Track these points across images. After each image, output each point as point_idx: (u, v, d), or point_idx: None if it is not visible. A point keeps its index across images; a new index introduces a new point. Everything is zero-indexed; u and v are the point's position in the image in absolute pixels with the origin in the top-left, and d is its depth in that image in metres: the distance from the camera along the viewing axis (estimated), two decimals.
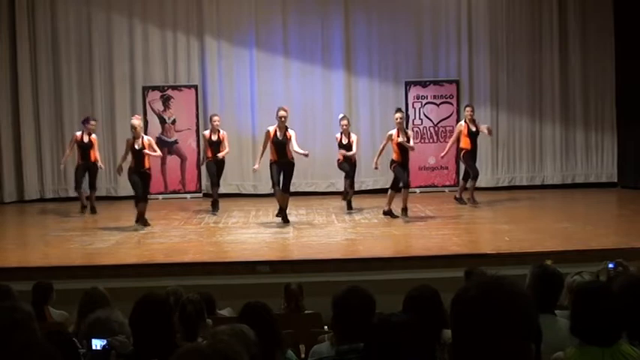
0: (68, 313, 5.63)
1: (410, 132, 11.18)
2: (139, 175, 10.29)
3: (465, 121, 11.77)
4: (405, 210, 10.69)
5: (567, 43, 14.27)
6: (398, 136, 10.61)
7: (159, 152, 10.78)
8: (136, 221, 10.39)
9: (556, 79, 14.30)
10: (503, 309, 1.68)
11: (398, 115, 10.72)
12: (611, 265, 4.61)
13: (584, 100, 14.39)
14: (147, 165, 10.41)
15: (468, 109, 11.96)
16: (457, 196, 12.20)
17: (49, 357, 2.29)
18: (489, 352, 1.67)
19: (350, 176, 11.35)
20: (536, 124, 14.37)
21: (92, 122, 12.02)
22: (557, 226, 10.15)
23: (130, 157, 10.39)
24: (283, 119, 10.26)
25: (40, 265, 8.28)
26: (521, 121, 14.37)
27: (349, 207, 11.64)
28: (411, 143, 10.74)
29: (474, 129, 11.68)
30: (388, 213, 10.80)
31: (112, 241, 9.54)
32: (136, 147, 10.24)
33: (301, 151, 10.38)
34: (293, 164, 10.48)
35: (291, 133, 10.38)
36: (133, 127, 10.30)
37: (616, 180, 14.39)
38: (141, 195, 10.33)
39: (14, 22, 13.67)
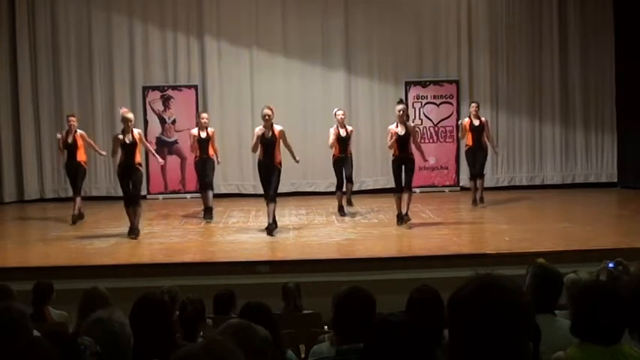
0: (68, 313, 5.63)
1: (411, 123, 10.26)
2: (129, 171, 9.66)
3: (469, 117, 11.83)
4: (403, 215, 10.03)
5: (567, 43, 14.27)
6: (397, 128, 9.83)
7: (150, 147, 10.40)
8: (132, 230, 9.73)
9: (556, 79, 14.30)
10: (499, 307, 1.68)
11: (399, 107, 9.94)
12: (610, 265, 4.60)
13: (584, 100, 14.39)
14: (138, 159, 9.76)
15: (473, 105, 11.95)
16: (472, 198, 11.92)
17: (48, 356, 2.29)
18: (485, 351, 1.67)
19: (347, 172, 11.17)
20: (536, 124, 14.37)
21: (71, 119, 11.11)
22: (557, 226, 10.14)
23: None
24: (267, 117, 9.52)
25: (40, 265, 8.29)
26: (520, 121, 14.37)
27: (349, 203, 11.51)
28: (422, 150, 10.19)
29: (477, 123, 11.63)
30: (400, 218, 10.10)
31: (112, 241, 9.54)
32: (127, 141, 9.64)
33: (294, 154, 9.93)
34: (279, 170, 9.72)
35: (277, 129, 9.63)
36: (127, 121, 9.70)
37: (616, 180, 14.38)
38: (130, 197, 9.67)
39: (14, 22, 13.67)
